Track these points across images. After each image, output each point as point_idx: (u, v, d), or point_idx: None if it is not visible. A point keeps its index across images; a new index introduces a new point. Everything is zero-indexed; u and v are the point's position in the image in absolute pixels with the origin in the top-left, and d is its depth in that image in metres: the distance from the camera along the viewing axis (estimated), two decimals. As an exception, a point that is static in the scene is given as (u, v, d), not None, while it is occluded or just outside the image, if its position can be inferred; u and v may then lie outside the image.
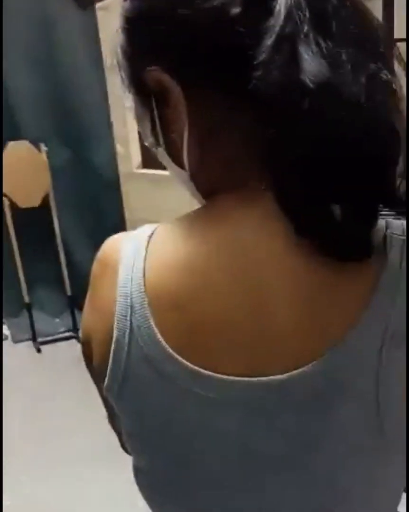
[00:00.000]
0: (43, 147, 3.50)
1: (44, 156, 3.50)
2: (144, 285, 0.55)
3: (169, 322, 0.55)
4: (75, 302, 3.82)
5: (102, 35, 2.83)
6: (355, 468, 0.58)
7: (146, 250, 0.57)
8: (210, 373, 0.54)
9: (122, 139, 2.94)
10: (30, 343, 3.77)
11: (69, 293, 3.79)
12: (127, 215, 3.05)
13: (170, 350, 0.55)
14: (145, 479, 0.68)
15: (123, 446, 0.73)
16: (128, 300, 0.56)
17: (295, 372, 0.53)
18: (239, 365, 0.55)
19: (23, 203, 3.50)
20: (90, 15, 3.05)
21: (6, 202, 3.49)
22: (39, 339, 3.76)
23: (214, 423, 0.57)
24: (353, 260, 0.51)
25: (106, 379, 0.58)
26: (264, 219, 0.54)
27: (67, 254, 3.76)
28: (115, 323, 0.56)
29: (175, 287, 0.55)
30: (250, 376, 0.54)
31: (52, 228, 3.65)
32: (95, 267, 0.62)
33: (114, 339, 0.56)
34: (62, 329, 3.90)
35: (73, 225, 3.85)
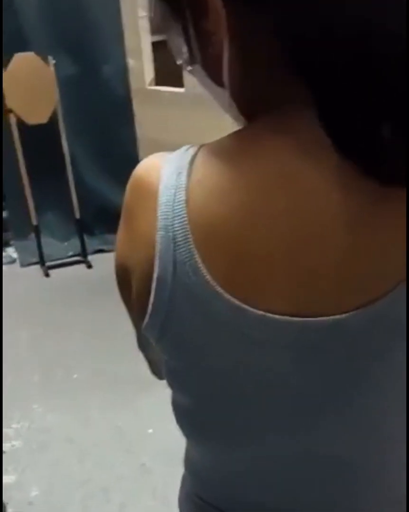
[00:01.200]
0: (51, 60, 3.30)
1: (52, 69, 3.30)
2: (188, 216, 0.51)
3: (215, 257, 0.51)
4: (84, 226, 3.73)
5: None
6: (404, 413, 0.56)
7: (188, 177, 0.52)
8: (259, 312, 0.51)
9: (135, 52, 2.72)
10: (38, 267, 3.71)
11: (77, 216, 3.68)
12: (138, 134, 2.87)
13: (218, 287, 0.51)
14: (186, 416, 0.66)
15: (154, 372, 0.73)
16: (170, 234, 0.51)
17: (356, 311, 0.50)
18: (292, 304, 0.51)
19: (30, 120, 3.33)
20: None
21: (12, 118, 3.33)
22: (47, 263, 3.69)
23: (262, 363, 0.54)
24: (398, 185, 0.46)
25: (147, 317, 0.55)
26: (308, 143, 0.49)
27: (75, 175, 3.62)
28: (157, 259, 0.52)
29: (221, 218, 0.50)
30: (304, 316, 0.51)
31: (60, 147, 3.49)
32: (130, 192, 0.57)
33: (155, 276, 0.53)
34: (70, 253, 3.83)
35: (82, 144, 3.70)
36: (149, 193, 0.53)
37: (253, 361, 0.54)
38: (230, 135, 0.55)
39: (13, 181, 3.63)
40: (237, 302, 0.51)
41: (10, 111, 3.31)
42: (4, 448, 2.21)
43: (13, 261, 3.84)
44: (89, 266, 3.64)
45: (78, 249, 3.77)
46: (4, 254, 3.89)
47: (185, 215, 0.51)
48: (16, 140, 3.40)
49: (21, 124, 3.35)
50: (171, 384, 0.64)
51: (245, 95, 0.54)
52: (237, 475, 0.66)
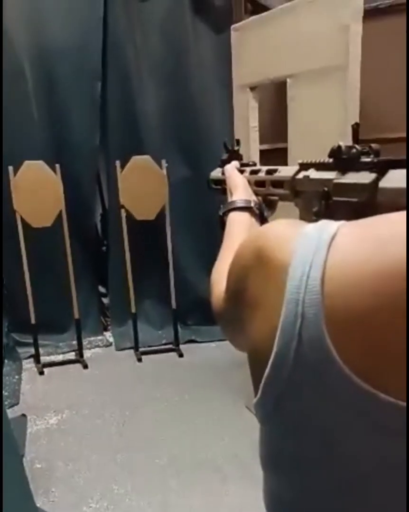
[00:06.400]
0: (164, 163, 3.61)
1: (164, 171, 3.60)
2: (322, 294, 0.47)
3: (348, 340, 0.47)
4: (179, 317, 3.89)
5: (234, 55, 2.87)
6: None
7: (326, 255, 0.49)
8: (394, 400, 0.46)
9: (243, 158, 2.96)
10: (131, 351, 3.87)
11: (174, 307, 3.86)
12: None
13: (348, 371, 0.47)
14: (287, 504, 0.59)
15: (231, 340, 0.73)
16: (299, 309, 0.48)
17: None
18: None
19: (139, 216, 3.62)
20: (225, 37, 3.12)
21: (123, 213, 3.62)
22: (141, 349, 3.84)
23: (389, 452, 0.49)
24: None
25: (259, 394, 0.53)
26: None
27: (176, 269, 3.84)
28: (279, 334, 0.49)
29: (361, 302, 0.46)
30: None
31: (164, 242, 3.74)
32: (252, 259, 0.54)
33: (275, 350, 0.50)
34: (163, 341, 3.98)
35: (186, 241, 3.94)
36: (277, 268, 0.51)
37: (381, 450, 0.49)
38: (385, 217, 0.49)
39: (117, 270, 3.90)
40: (369, 388, 0.46)
41: (122, 206, 3.61)
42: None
43: (109, 344, 4.03)
44: (181, 354, 3.75)
45: (171, 337, 3.91)
46: (101, 337, 4.10)
47: (318, 292, 0.47)
48: (124, 233, 3.68)
49: (130, 218, 3.64)
50: (272, 467, 0.58)
51: None
52: None
